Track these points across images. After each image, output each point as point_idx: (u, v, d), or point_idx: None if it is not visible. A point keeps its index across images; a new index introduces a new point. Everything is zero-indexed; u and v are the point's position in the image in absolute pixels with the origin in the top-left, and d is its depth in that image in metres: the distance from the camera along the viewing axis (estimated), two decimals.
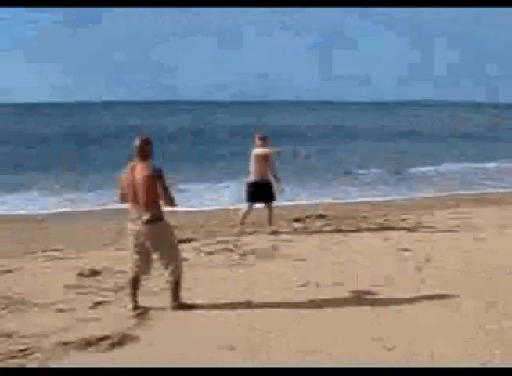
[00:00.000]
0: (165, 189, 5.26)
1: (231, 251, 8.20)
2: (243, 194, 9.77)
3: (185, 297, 5.88)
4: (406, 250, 7.98)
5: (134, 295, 5.58)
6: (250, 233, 9.46)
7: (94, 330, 4.96)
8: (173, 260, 5.51)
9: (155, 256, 5.55)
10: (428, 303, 5.66)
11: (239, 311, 5.51)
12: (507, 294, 5.89)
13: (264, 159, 9.34)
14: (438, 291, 5.99)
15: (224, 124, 54.80)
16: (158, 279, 6.03)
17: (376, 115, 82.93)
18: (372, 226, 10.02)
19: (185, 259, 7.68)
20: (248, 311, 5.51)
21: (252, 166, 9.40)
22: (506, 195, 14.93)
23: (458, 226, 9.84)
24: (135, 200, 5.31)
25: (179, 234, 9.61)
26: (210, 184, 16.99)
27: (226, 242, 8.79)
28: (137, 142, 5.31)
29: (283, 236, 9.18)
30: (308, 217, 10.93)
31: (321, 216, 11.06)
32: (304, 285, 6.32)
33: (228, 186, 16.41)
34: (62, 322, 5.23)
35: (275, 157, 9.48)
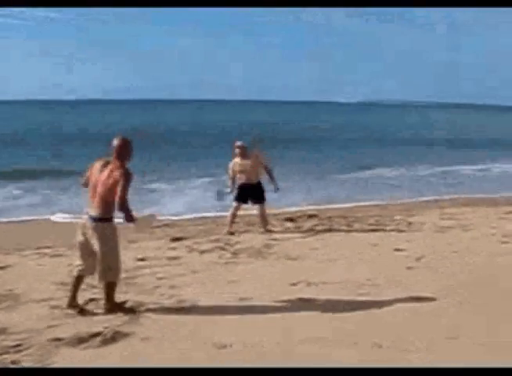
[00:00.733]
0: (123, 192, 5.08)
1: (223, 249, 8.24)
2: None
3: (177, 295, 5.92)
4: (398, 250, 8.05)
5: (74, 294, 5.46)
6: (243, 232, 9.50)
7: (86, 327, 4.97)
8: (106, 263, 5.31)
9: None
10: (418, 303, 5.71)
11: (230, 308, 5.53)
12: (501, 294, 5.94)
13: (244, 170, 9.39)
14: (429, 291, 6.04)
15: None
16: (150, 276, 6.06)
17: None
18: (363, 226, 10.09)
19: (178, 257, 7.76)
20: (239, 309, 5.54)
21: (241, 174, 9.46)
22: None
23: (450, 227, 9.92)
24: (93, 195, 5.28)
25: (171, 232, 9.71)
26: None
27: (218, 240, 8.83)
28: (115, 142, 5.31)
29: (275, 236, 9.22)
30: (299, 217, 10.98)
31: (313, 216, 11.12)
32: (295, 284, 6.36)
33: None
34: (54, 318, 5.24)
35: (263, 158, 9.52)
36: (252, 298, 5.83)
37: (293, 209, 12.52)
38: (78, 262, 5.49)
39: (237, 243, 8.65)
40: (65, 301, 5.57)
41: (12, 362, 4.31)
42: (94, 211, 5.25)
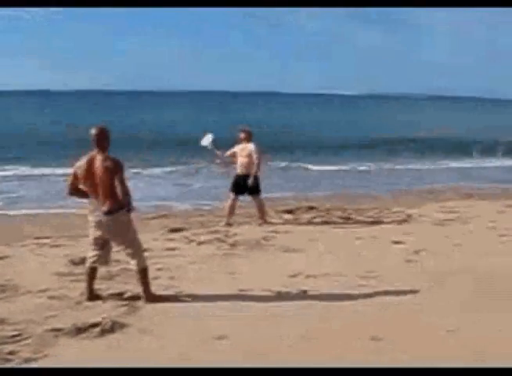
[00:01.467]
0: (122, 183, 5.16)
1: (221, 241, 8.23)
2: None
3: (175, 285, 5.93)
4: (397, 242, 8.05)
5: (90, 286, 5.53)
6: (241, 224, 9.49)
7: (85, 317, 4.98)
8: (137, 250, 5.44)
9: (116, 247, 5.52)
10: (417, 295, 5.72)
11: (229, 300, 5.53)
12: (500, 288, 5.95)
13: (250, 155, 9.38)
14: (427, 283, 6.05)
15: None
16: (149, 267, 6.02)
17: None
18: (363, 219, 10.08)
19: (176, 248, 7.75)
20: (237, 301, 5.54)
21: (238, 159, 9.46)
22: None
23: (449, 220, 9.92)
24: (94, 192, 5.23)
25: (169, 223, 9.68)
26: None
27: (217, 232, 8.82)
28: (94, 131, 5.22)
29: (274, 228, 9.21)
30: (298, 208, 10.96)
31: (311, 208, 11.09)
32: (293, 276, 6.36)
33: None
34: (53, 309, 5.24)
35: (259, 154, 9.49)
36: (251, 290, 5.84)
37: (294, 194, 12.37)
38: (91, 253, 5.52)
39: (236, 234, 8.64)
40: (63, 292, 5.59)
41: (10, 352, 4.32)
42: (105, 206, 5.22)
